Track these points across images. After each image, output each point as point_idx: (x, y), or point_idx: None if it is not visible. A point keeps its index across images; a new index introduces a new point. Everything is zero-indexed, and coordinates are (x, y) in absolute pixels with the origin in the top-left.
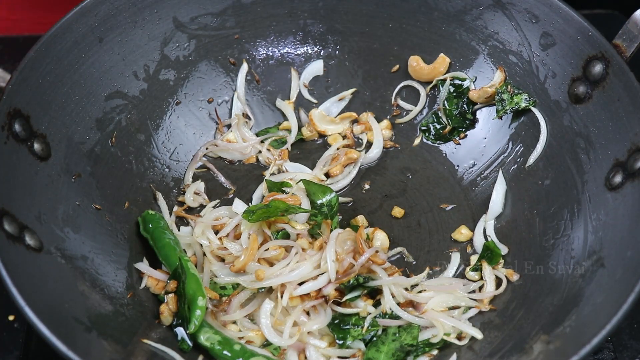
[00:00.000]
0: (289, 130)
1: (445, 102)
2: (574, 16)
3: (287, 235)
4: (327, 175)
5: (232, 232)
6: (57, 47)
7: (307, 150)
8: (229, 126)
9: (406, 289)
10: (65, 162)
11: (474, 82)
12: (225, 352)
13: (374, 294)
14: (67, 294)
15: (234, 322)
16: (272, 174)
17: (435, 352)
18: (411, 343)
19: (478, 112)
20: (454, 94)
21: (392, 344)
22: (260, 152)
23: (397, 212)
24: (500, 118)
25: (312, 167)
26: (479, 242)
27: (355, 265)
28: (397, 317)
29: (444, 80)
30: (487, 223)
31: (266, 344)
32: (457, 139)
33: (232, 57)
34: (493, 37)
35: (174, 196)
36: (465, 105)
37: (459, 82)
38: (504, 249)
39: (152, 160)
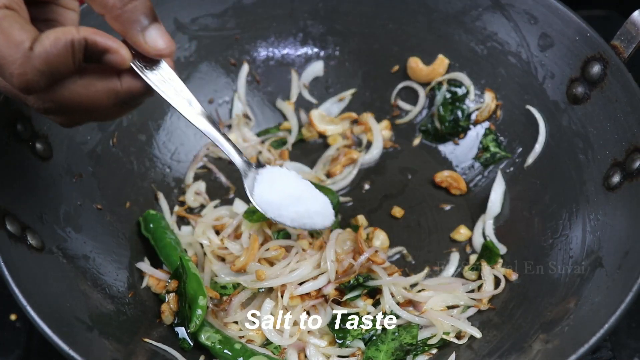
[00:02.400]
0: (289, 131)
1: (441, 107)
2: (573, 17)
3: (287, 236)
4: (328, 175)
5: (232, 232)
6: None
7: (307, 150)
8: (229, 126)
9: (405, 289)
10: (66, 162)
11: (472, 87)
12: (225, 351)
13: (374, 294)
14: (69, 294)
15: (235, 322)
16: None
17: (434, 351)
18: (410, 342)
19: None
20: (450, 100)
21: (391, 343)
22: (260, 152)
23: (397, 212)
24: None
25: (312, 167)
26: (477, 242)
27: (354, 265)
28: (396, 317)
29: (441, 84)
30: (486, 223)
31: (266, 343)
32: (457, 139)
33: (232, 58)
34: (492, 38)
35: (175, 196)
36: (459, 112)
37: (455, 89)
38: (502, 249)
39: (153, 161)
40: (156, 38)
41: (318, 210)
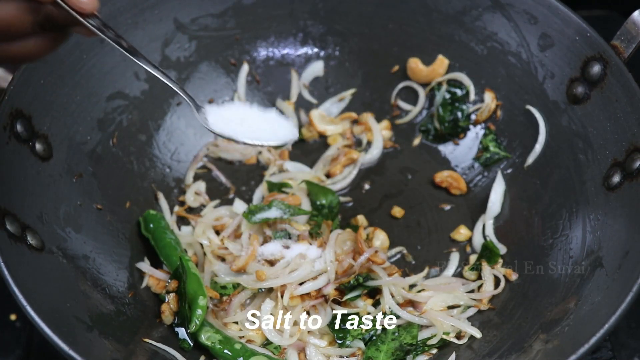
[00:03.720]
0: None
1: (440, 107)
2: (573, 17)
3: (287, 236)
4: (328, 175)
5: (232, 232)
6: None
7: (307, 150)
8: None
9: (405, 289)
10: (66, 162)
11: (472, 87)
12: (225, 351)
13: (374, 294)
14: (69, 294)
15: (235, 322)
16: (273, 174)
17: (434, 351)
18: (410, 342)
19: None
20: (449, 100)
21: (391, 343)
22: (260, 152)
23: (397, 212)
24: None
25: (312, 167)
26: (477, 242)
27: (354, 266)
28: (396, 317)
29: (441, 84)
30: (486, 223)
31: (266, 343)
32: (457, 139)
33: (232, 58)
34: (492, 38)
35: (175, 196)
36: (459, 113)
37: (454, 90)
38: (502, 249)
39: (153, 161)
40: None
41: (284, 119)
